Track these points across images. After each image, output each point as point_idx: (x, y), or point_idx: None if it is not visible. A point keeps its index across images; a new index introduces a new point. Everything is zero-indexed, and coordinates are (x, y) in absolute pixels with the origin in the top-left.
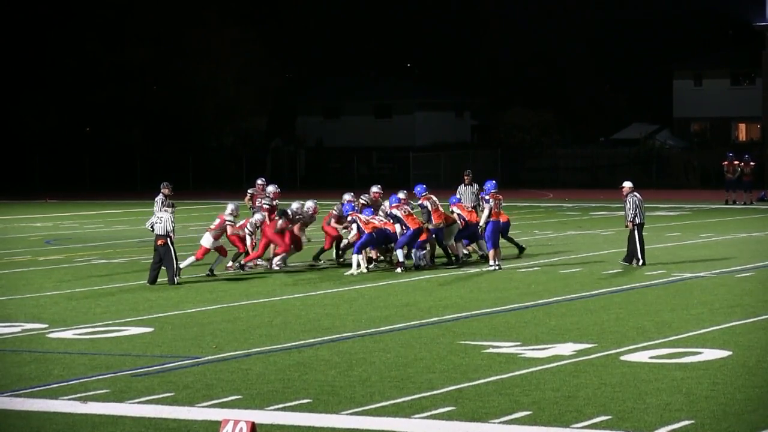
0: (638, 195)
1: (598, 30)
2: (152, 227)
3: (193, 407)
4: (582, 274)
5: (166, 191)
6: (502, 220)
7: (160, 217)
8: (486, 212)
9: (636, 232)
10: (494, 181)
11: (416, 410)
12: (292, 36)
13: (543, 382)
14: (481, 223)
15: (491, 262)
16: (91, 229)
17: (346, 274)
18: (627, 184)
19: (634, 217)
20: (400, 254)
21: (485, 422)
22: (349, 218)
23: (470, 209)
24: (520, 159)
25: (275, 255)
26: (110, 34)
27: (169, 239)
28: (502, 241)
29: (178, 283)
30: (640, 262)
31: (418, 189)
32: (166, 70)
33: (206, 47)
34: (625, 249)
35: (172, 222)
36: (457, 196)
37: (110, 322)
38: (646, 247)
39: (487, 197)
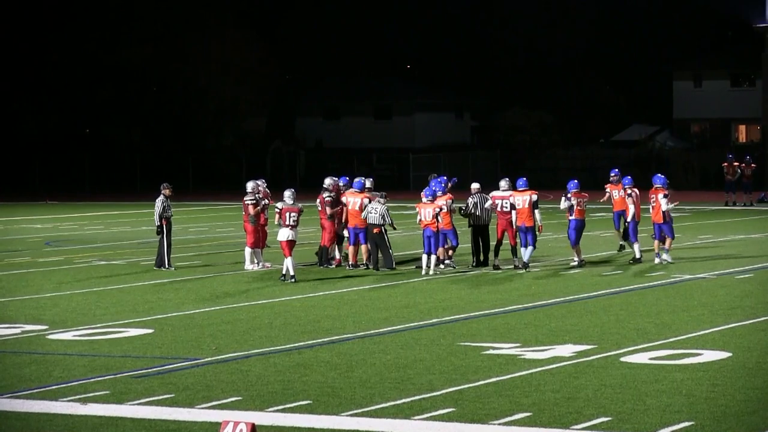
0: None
1: (597, 30)
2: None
3: (192, 409)
4: (582, 275)
5: (167, 192)
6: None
7: (374, 208)
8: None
9: (475, 233)
10: (576, 181)
11: (416, 411)
12: (291, 37)
13: (543, 384)
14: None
15: (576, 259)
16: (91, 230)
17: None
18: (475, 185)
19: (472, 216)
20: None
21: (485, 424)
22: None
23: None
24: (520, 160)
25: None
26: (110, 34)
27: (383, 228)
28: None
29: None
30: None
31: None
32: (166, 71)
33: (206, 48)
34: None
35: (387, 211)
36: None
37: (110, 323)
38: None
39: (569, 195)
